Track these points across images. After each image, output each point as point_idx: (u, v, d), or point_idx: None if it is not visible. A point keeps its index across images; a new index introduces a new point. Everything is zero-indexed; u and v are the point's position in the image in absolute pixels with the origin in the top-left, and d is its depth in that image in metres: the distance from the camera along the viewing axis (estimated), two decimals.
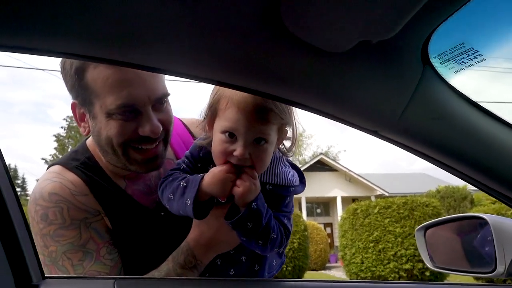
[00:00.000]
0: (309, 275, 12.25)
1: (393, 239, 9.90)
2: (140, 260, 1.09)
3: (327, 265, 17.26)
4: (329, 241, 17.80)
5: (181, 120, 1.32)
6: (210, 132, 1.02)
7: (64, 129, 20.26)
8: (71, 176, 1.09)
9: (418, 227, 1.32)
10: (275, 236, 0.99)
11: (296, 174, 1.09)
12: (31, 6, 0.64)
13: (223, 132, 0.95)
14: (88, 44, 0.75)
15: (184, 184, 0.98)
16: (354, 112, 0.82)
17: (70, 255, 1.01)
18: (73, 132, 20.45)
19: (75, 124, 19.71)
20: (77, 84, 1.04)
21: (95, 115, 1.05)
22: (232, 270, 1.07)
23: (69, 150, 19.07)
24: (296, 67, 0.75)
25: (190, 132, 1.30)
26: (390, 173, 27.75)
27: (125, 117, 1.02)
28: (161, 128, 1.05)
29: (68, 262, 1.01)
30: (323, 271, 15.82)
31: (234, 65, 0.78)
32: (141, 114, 1.03)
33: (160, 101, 1.06)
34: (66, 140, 20.11)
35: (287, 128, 1.04)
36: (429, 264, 1.25)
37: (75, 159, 1.13)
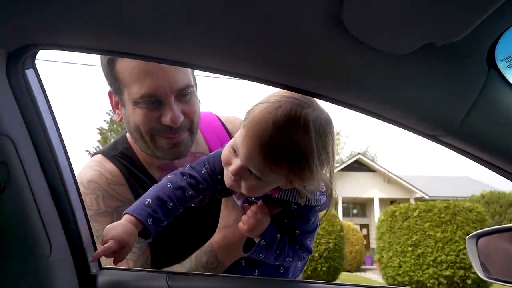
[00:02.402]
0: (344, 276, 12.09)
1: (433, 244, 9.58)
2: (166, 252, 1.12)
3: (362, 267, 16.95)
4: (365, 242, 17.49)
5: (218, 117, 1.34)
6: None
7: (107, 122, 20.94)
8: (110, 166, 1.15)
9: (470, 235, 1.27)
10: (290, 259, 1.02)
11: (323, 188, 1.06)
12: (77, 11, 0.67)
13: (232, 151, 0.95)
14: (133, 42, 0.78)
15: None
16: (412, 116, 0.80)
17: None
18: (115, 126, 21.10)
19: None
20: (109, 74, 1.11)
21: (124, 103, 1.11)
22: (256, 271, 1.07)
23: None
24: (353, 69, 0.74)
25: (226, 130, 1.31)
26: (431, 175, 26.84)
27: (149, 106, 1.07)
28: (182, 118, 1.08)
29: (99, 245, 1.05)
30: (358, 273, 15.56)
31: (290, 65, 0.78)
32: (163, 104, 1.07)
33: (183, 92, 1.08)
34: (109, 133, 20.78)
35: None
36: (481, 274, 1.20)
37: (115, 149, 1.19)
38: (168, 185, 0.98)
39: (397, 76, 0.73)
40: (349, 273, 14.82)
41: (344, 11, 0.63)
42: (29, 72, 0.87)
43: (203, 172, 1.03)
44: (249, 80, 0.81)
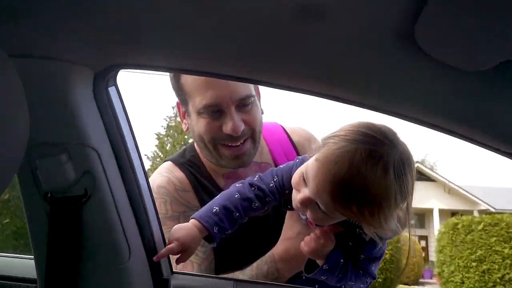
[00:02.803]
0: None
1: (501, 260, 8.95)
2: (229, 257, 1.15)
3: (421, 280, 16.18)
4: (423, 255, 16.70)
5: (283, 127, 1.35)
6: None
7: (164, 128, 21.69)
8: (178, 173, 1.20)
9: None
10: (352, 283, 0.99)
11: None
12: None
13: (302, 180, 0.94)
14: (207, 61, 0.83)
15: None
16: (488, 133, 0.78)
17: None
18: (171, 131, 21.78)
19: (173, 124, 21.12)
20: (176, 86, 1.17)
21: (189, 113, 1.16)
22: (316, 286, 1.06)
23: (167, 148, 20.50)
24: (425, 85, 0.74)
25: (291, 141, 1.32)
26: (497, 186, 25.14)
27: (211, 116, 1.11)
28: (243, 128, 1.11)
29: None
30: (415, 286, 14.88)
31: (358, 83, 0.79)
32: (225, 114, 1.10)
33: (243, 102, 1.11)
34: (165, 139, 21.50)
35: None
36: None
37: (183, 157, 1.25)
38: (236, 195, 1.01)
39: (472, 93, 0.72)
40: (406, 286, 14.21)
41: (417, 28, 0.63)
42: (111, 90, 0.94)
43: (271, 185, 1.04)
44: (316, 96, 0.83)
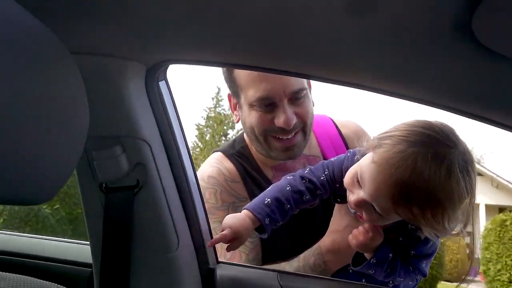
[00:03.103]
0: (443, 286, 11.28)
1: None
2: (276, 249, 1.15)
3: (466, 278, 15.64)
4: (468, 251, 16.10)
5: (333, 120, 1.34)
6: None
7: (204, 119, 21.98)
8: (228, 163, 1.22)
9: None
10: (401, 279, 0.98)
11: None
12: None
13: (356, 181, 0.92)
14: (254, 56, 0.84)
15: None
16: None
17: (218, 231, 1.12)
18: (211, 122, 22.04)
19: (212, 115, 21.39)
20: (228, 78, 1.18)
21: (241, 106, 1.17)
22: (363, 280, 1.04)
23: (206, 138, 20.81)
24: (484, 79, 0.71)
25: (341, 134, 1.31)
26: None
27: (263, 109, 1.11)
28: (295, 120, 1.11)
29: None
30: (459, 284, 14.39)
31: (416, 77, 0.77)
32: (277, 106, 1.10)
33: (296, 95, 1.11)
34: (205, 129, 21.80)
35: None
36: None
37: (233, 148, 1.27)
38: (288, 188, 1.01)
39: None
40: (449, 283, 13.78)
41: (475, 19, 0.61)
42: (162, 84, 0.97)
43: (322, 178, 1.03)
44: (370, 91, 0.82)
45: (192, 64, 0.93)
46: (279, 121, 1.10)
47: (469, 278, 15.93)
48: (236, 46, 0.83)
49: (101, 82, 0.87)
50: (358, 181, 0.90)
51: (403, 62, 0.72)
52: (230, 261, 1.11)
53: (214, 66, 1.10)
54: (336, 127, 1.31)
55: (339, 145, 1.24)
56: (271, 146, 1.16)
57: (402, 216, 0.87)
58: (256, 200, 1.01)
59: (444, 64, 0.70)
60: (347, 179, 0.95)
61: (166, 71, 0.97)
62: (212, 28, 0.77)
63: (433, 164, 0.80)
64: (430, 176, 0.79)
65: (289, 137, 1.13)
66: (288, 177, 1.05)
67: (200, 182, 1.17)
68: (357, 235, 0.96)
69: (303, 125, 1.14)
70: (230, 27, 0.76)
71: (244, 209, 0.98)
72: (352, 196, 0.92)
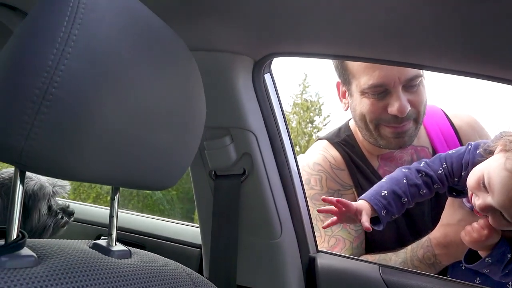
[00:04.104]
0: None
1: None
2: (381, 238, 1.13)
3: None
4: None
5: (444, 111, 1.28)
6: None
7: (290, 105, 22.03)
8: (333, 151, 1.22)
9: None
10: None
11: None
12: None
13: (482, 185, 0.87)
14: (363, 47, 0.82)
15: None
16: None
17: (323, 218, 1.14)
18: (297, 108, 22.04)
19: (299, 101, 21.37)
20: (339, 66, 1.17)
21: (351, 93, 1.16)
22: (478, 279, 0.99)
23: (292, 125, 20.88)
24: None
25: (452, 125, 1.24)
26: None
27: (376, 96, 1.09)
28: (409, 108, 1.07)
29: (321, 223, 1.13)
30: None
31: None
32: (390, 94, 1.07)
33: (411, 82, 1.07)
34: (291, 116, 21.85)
35: None
36: None
37: (338, 136, 1.26)
38: (404, 181, 0.99)
39: None
40: None
41: None
42: (267, 77, 1.00)
43: (440, 171, 0.99)
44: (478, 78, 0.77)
45: (300, 56, 0.95)
46: (393, 109, 1.07)
47: None
48: (344, 39, 0.82)
49: (213, 76, 0.92)
50: (484, 185, 0.85)
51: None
52: (333, 247, 1.12)
53: (323, 58, 1.10)
54: (448, 118, 1.25)
55: (450, 137, 1.17)
56: (381, 134, 1.14)
57: None
58: (372, 191, 1.00)
59: None
60: (471, 181, 0.89)
61: (271, 64, 1.00)
62: (320, 20, 0.78)
63: None
64: None
65: (400, 125, 1.10)
66: (404, 169, 1.02)
67: (305, 169, 1.21)
68: (470, 231, 0.91)
69: (417, 114, 1.11)
70: (339, 18, 0.75)
71: (360, 199, 0.99)
72: (478, 200, 0.87)
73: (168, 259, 0.68)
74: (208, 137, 0.98)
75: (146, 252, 0.66)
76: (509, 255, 0.89)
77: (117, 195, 0.60)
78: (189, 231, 1.30)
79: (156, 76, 0.49)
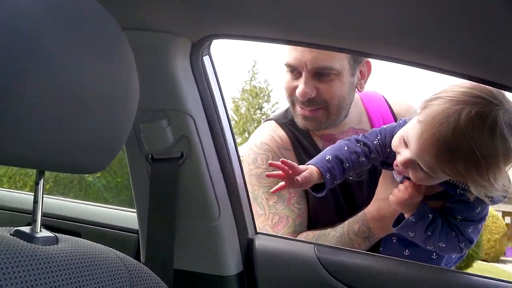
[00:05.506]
0: (479, 265, 11.09)
1: None
2: (322, 215, 1.19)
3: (502, 258, 15.28)
4: (507, 232, 15.64)
5: (385, 97, 1.35)
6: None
7: (239, 92, 22.05)
8: (280, 131, 1.26)
9: None
10: (444, 245, 0.98)
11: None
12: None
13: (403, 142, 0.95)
14: (298, 32, 0.84)
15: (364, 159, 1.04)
16: None
17: (268, 196, 1.18)
18: (246, 95, 22.08)
19: (248, 87, 21.41)
20: None
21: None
22: (407, 251, 1.07)
23: (241, 111, 20.94)
24: None
25: (392, 110, 1.32)
26: None
27: (290, 75, 1.16)
28: (313, 95, 1.12)
29: (265, 202, 1.18)
30: (495, 264, 14.09)
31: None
32: (301, 76, 1.13)
33: (320, 71, 1.11)
34: (240, 102, 21.88)
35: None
36: None
37: (285, 117, 1.29)
38: (345, 148, 1.05)
39: None
40: (485, 263, 13.52)
41: None
42: (206, 59, 0.99)
43: (375, 142, 1.06)
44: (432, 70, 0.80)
45: (238, 39, 0.94)
46: (298, 91, 1.13)
47: (506, 258, 15.56)
48: (283, 23, 0.83)
49: (148, 56, 0.90)
50: (405, 142, 0.93)
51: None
52: (276, 225, 1.15)
53: (262, 41, 1.11)
54: (388, 104, 1.32)
55: (389, 122, 1.23)
56: (296, 112, 1.19)
57: (447, 173, 0.88)
58: (318, 157, 1.05)
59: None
60: (394, 141, 0.98)
61: (210, 46, 0.99)
62: (260, 3, 0.77)
63: (476, 120, 0.81)
64: (472, 134, 0.81)
65: (309, 109, 1.15)
66: (344, 140, 1.08)
67: (253, 148, 1.23)
68: (397, 192, 0.99)
69: (327, 105, 1.15)
70: (279, 1, 0.75)
71: (307, 164, 1.02)
72: (400, 157, 0.94)
73: (101, 244, 0.66)
74: (144, 120, 0.96)
75: (76, 238, 0.63)
76: (430, 215, 0.97)
77: (42, 179, 0.56)
78: (129, 216, 1.27)
79: (85, 55, 0.47)
